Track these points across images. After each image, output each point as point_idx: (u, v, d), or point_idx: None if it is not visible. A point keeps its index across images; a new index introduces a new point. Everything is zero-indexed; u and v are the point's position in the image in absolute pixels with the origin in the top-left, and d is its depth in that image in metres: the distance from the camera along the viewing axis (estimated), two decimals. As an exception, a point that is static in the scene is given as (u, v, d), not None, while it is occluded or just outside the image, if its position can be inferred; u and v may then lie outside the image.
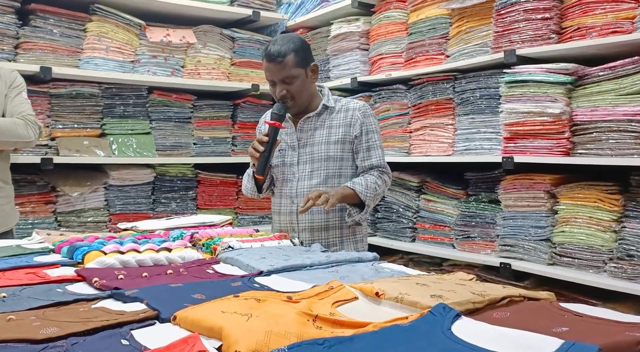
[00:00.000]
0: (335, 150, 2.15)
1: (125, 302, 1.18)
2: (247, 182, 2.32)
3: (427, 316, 1.01)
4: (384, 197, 3.26)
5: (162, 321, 1.06)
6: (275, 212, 2.29)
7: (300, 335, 0.90)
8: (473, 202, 2.86)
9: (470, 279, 1.40)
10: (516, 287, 1.29)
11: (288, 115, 2.21)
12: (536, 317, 1.06)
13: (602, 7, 2.29)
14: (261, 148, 2.01)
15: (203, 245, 1.87)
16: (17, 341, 0.91)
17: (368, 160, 2.17)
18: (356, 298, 1.20)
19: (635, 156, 2.16)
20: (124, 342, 0.92)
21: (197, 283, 1.34)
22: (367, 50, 3.42)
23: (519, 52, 2.52)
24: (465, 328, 0.96)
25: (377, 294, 1.18)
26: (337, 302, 1.15)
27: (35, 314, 1.08)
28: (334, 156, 2.15)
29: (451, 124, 2.90)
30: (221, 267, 1.59)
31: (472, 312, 1.08)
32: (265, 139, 2.01)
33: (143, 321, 1.04)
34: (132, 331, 0.97)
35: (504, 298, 1.18)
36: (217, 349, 0.88)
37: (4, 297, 1.21)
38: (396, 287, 1.21)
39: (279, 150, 2.21)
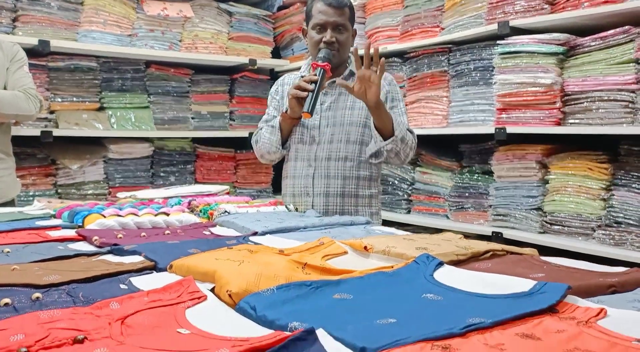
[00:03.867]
0: (360, 116, 2.11)
1: (124, 256, 1.23)
2: (269, 134, 2.14)
3: (411, 265, 1.06)
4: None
5: (159, 271, 1.11)
6: (288, 176, 2.20)
7: (289, 278, 0.95)
8: (467, 174, 2.90)
9: (459, 238, 1.45)
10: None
11: None
12: (515, 267, 1.12)
13: (594, -23, 2.31)
14: (310, 86, 1.92)
15: (200, 211, 1.91)
16: (22, 286, 0.96)
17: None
18: (346, 252, 1.25)
19: (625, 125, 2.20)
20: (122, 286, 0.97)
21: (193, 241, 1.39)
22: (363, 23, 3.43)
23: (513, 23, 2.54)
24: (446, 274, 1.01)
25: (365, 248, 1.24)
26: (327, 255, 1.20)
27: (37, 265, 1.13)
28: (357, 121, 2.11)
29: (446, 97, 2.93)
30: (217, 230, 1.64)
31: (455, 264, 1.13)
32: (315, 78, 1.93)
33: (141, 271, 1.10)
34: (131, 278, 1.02)
35: (487, 252, 1.23)
36: (210, 290, 0.93)
37: (8, 252, 1.26)
38: (384, 241, 1.26)
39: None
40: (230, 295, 0.88)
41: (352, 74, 2.16)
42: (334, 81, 2.13)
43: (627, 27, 2.20)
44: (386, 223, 3.26)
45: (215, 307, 0.86)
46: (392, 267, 1.07)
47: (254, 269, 0.96)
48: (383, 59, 1.86)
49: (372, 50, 1.86)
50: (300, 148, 2.16)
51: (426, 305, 0.87)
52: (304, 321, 0.76)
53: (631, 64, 2.19)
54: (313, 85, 1.92)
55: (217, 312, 0.85)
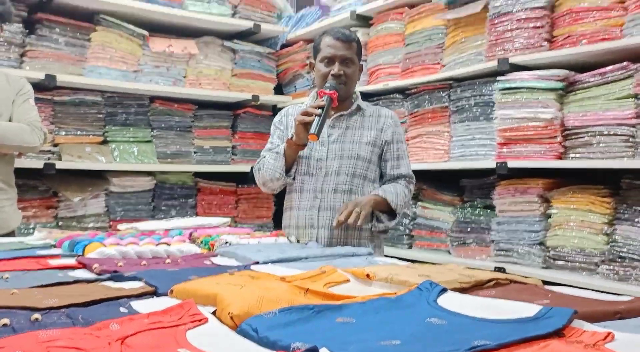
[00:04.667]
0: (366, 151, 2.16)
1: (124, 281, 1.22)
2: (274, 160, 2.13)
3: (414, 291, 1.05)
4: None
5: (160, 296, 1.10)
6: (293, 207, 2.20)
7: (291, 302, 0.94)
8: (469, 209, 2.90)
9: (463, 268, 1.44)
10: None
11: None
12: (519, 295, 1.10)
13: (591, 15, 2.36)
14: (317, 111, 1.96)
15: (202, 242, 1.90)
16: (20, 308, 0.95)
17: (397, 169, 2.20)
18: (348, 280, 1.23)
19: (626, 159, 2.21)
20: (122, 309, 0.96)
21: (194, 268, 1.38)
22: (365, 61, 3.49)
23: (512, 60, 2.58)
24: (450, 300, 1.00)
25: (367, 276, 1.22)
26: (328, 283, 1.19)
27: (37, 290, 1.12)
28: (364, 156, 2.15)
29: (447, 131, 2.95)
30: (218, 260, 1.62)
31: (459, 292, 1.12)
32: (322, 104, 1.98)
33: (142, 295, 1.09)
34: (131, 302, 1.01)
35: (490, 280, 1.22)
36: (211, 313, 0.92)
37: (7, 278, 1.24)
38: (387, 269, 1.25)
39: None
40: (231, 317, 0.87)
41: (359, 109, 2.22)
42: (342, 115, 2.18)
43: (625, 63, 2.23)
44: (388, 258, 3.25)
45: (217, 329, 0.85)
46: (395, 293, 1.06)
47: (256, 292, 0.95)
48: (355, 215, 1.94)
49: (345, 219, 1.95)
50: (306, 180, 2.17)
51: (430, 328, 0.85)
52: (307, 341, 0.75)
53: (630, 99, 2.21)
54: (320, 110, 1.96)
55: (219, 334, 0.84)
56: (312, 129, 1.93)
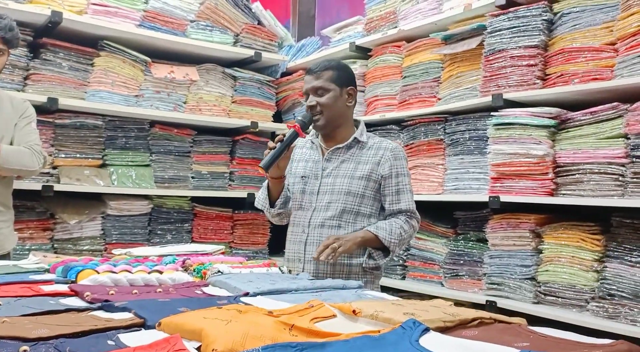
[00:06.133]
0: (358, 186, 2.11)
1: (114, 312, 1.23)
2: (260, 192, 2.27)
3: (398, 330, 1.07)
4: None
5: (148, 328, 1.12)
6: (287, 241, 2.25)
7: (275, 339, 0.96)
8: (462, 241, 2.92)
9: (449, 305, 1.46)
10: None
11: (319, 142, 2.23)
12: (502, 335, 1.12)
13: (583, 55, 2.42)
14: (273, 144, 2.01)
15: (194, 270, 1.92)
16: (10, 338, 0.97)
17: (397, 204, 2.13)
18: (334, 316, 1.25)
19: (615, 197, 2.24)
20: (110, 342, 0.98)
21: (184, 299, 1.40)
22: (363, 91, 3.55)
23: (506, 96, 2.64)
24: (431, 340, 1.02)
25: (354, 312, 1.24)
26: (315, 318, 1.20)
27: (28, 319, 1.13)
28: (355, 192, 2.11)
29: (441, 164, 2.99)
30: (209, 289, 1.64)
31: (442, 330, 1.14)
32: (282, 137, 2.02)
33: (130, 327, 1.10)
34: (119, 334, 1.03)
35: (474, 319, 1.24)
36: (196, 349, 0.94)
37: (0, 305, 1.26)
38: (373, 305, 1.27)
39: (302, 177, 2.20)
40: (215, 354, 0.89)
41: (357, 141, 2.19)
42: (338, 148, 2.18)
43: (615, 103, 2.28)
44: (381, 289, 3.26)
45: (200, 366, 0.87)
46: (379, 331, 1.08)
47: (241, 328, 0.97)
48: (330, 251, 1.94)
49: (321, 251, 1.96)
50: (298, 214, 2.20)
51: (409, 370, 0.87)
52: (286, 382, 0.77)
53: (620, 139, 2.26)
54: (279, 144, 2.00)
55: (202, 370, 0.86)
56: (262, 162, 1.99)
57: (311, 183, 2.17)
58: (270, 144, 2.03)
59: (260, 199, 2.26)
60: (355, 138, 2.18)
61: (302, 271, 2.09)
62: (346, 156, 2.18)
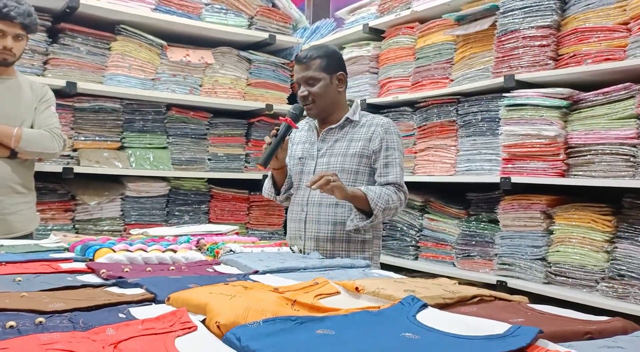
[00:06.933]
0: (352, 163, 2.17)
1: (127, 288, 1.29)
2: (266, 182, 2.38)
3: (397, 305, 1.11)
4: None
5: (158, 302, 1.17)
6: (288, 220, 2.33)
7: (276, 313, 1.01)
8: (474, 222, 2.94)
9: (452, 284, 1.49)
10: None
11: (315, 124, 2.30)
12: (500, 312, 1.15)
13: (596, 35, 2.40)
14: (269, 140, 2.08)
15: (207, 249, 1.98)
16: (27, 311, 1.03)
17: (385, 176, 2.16)
18: (338, 293, 1.29)
19: (627, 178, 2.24)
20: (121, 315, 1.03)
21: (195, 276, 1.45)
22: (376, 73, 3.55)
23: (518, 77, 2.63)
24: (428, 316, 1.06)
25: (356, 289, 1.28)
26: (319, 295, 1.25)
27: (45, 294, 1.20)
28: (348, 169, 2.17)
29: (454, 146, 3.00)
30: (221, 268, 1.69)
31: (442, 307, 1.17)
32: (275, 132, 2.08)
33: (141, 302, 1.16)
34: (130, 308, 1.09)
35: (475, 297, 1.27)
36: (201, 322, 0.99)
37: (19, 280, 1.33)
38: (375, 283, 1.31)
39: (300, 158, 2.28)
40: (218, 326, 0.94)
41: (349, 121, 2.25)
42: (331, 128, 2.24)
43: (628, 83, 2.26)
44: (394, 269, 3.28)
45: (204, 337, 0.92)
46: (379, 307, 1.12)
47: (244, 303, 1.02)
48: (324, 182, 1.94)
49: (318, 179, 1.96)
50: (298, 193, 2.27)
51: (403, 343, 0.91)
52: (284, 351, 0.81)
53: (632, 120, 2.25)
54: (274, 138, 2.06)
55: (205, 342, 0.91)
56: (260, 159, 2.07)
57: (308, 164, 2.25)
58: (267, 139, 2.10)
59: (266, 188, 2.37)
60: (347, 118, 2.24)
61: (303, 248, 2.14)
62: (339, 135, 2.24)
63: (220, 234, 2.37)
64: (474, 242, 2.90)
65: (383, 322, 1.02)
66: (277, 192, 2.32)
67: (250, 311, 0.98)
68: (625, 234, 2.29)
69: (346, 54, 3.69)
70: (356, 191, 2.06)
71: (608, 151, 2.31)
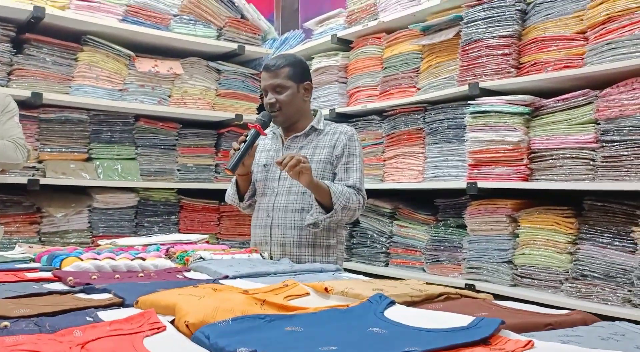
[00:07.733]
0: (316, 169, 2.17)
1: (94, 294, 1.28)
2: (229, 189, 2.41)
3: (365, 303, 1.13)
4: (358, 221, 3.38)
5: (126, 307, 1.17)
6: (252, 226, 2.35)
7: (245, 312, 1.01)
8: (442, 227, 2.98)
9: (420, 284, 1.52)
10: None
11: (280, 132, 2.33)
12: (465, 308, 1.18)
13: (555, 44, 2.49)
14: (237, 146, 2.10)
15: (177, 257, 1.97)
16: (-8, 317, 1.01)
17: (345, 181, 2.18)
18: (308, 294, 1.31)
19: (587, 181, 2.31)
20: (88, 318, 1.03)
21: (164, 282, 1.45)
22: (345, 83, 3.60)
23: (482, 85, 2.70)
24: (396, 312, 1.08)
25: (325, 289, 1.30)
26: (289, 296, 1.26)
27: (10, 301, 1.18)
28: (314, 175, 2.11)
29: (421, 153, 3.05)
30: (191, 274, 1.69)
31: (409, 305, 1.20)
32: (244, 138, 2.10)
33: (109, 306, 1.15)
34: (98, 312, 1.08)
35: (441, 294, 1.30)
36: (170, 322, 0.99)
37: (-16, 289, 1.31)
38: (344, 283, 1.33)
39: (264, 165, 2.30)
40: (187, 326, 0.94)
41: (313, 129, 2.29)
42: (296, 136, 2.27)
43: (586, 90, 2.35)
44: (365, 275, 3.31)
45: (173, 337, 0.92)
46: (347, 305, 1.13)
47: (213, 303, 1.02)
48: (295, 162, 1.95)
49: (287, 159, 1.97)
50: (262, 200, 2.29)
51: (369, 337, 0.93)
52: (252, 347, 0.82)
53: (591, 124, 2.32)
54: (242, 144, 2.08)
55: (174, 341, 0.91)
56: (228, 165, 2.08)
57: (273, 170, 2.28)
58: (235, 145, 2.11)
59: (230, 195, 2.40)
60: (312, 126, 2.29)
61: (269, 254, 2.14)
62: (304, 143, 2.28)
63: (190, 242, 2.36)
64: (442, 248, 2.94)
65: (351, 319, 1.03)
66: (241, 199, 2.36)
67: (219, 310, 0.99)
68: (587, 235, 2.36)
69: (315, 64, 3.72)
70: (321, 182, 2.09)
71: (569, 155, 2.38)
